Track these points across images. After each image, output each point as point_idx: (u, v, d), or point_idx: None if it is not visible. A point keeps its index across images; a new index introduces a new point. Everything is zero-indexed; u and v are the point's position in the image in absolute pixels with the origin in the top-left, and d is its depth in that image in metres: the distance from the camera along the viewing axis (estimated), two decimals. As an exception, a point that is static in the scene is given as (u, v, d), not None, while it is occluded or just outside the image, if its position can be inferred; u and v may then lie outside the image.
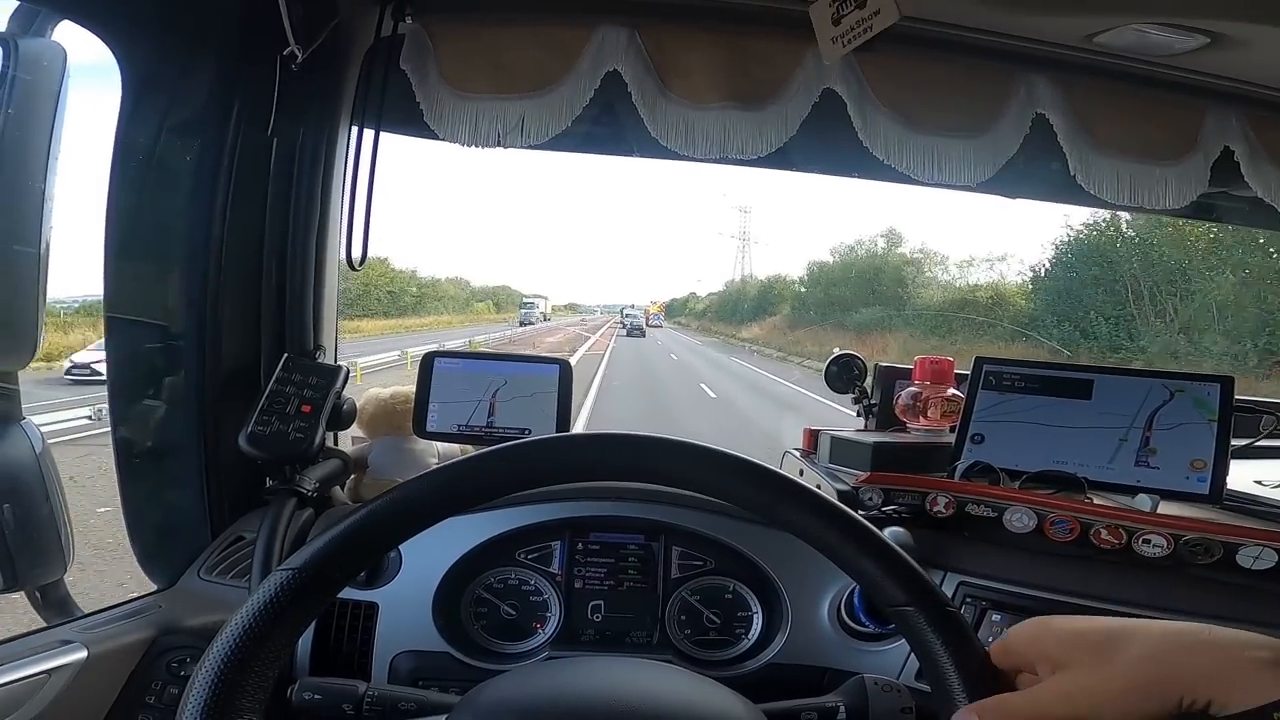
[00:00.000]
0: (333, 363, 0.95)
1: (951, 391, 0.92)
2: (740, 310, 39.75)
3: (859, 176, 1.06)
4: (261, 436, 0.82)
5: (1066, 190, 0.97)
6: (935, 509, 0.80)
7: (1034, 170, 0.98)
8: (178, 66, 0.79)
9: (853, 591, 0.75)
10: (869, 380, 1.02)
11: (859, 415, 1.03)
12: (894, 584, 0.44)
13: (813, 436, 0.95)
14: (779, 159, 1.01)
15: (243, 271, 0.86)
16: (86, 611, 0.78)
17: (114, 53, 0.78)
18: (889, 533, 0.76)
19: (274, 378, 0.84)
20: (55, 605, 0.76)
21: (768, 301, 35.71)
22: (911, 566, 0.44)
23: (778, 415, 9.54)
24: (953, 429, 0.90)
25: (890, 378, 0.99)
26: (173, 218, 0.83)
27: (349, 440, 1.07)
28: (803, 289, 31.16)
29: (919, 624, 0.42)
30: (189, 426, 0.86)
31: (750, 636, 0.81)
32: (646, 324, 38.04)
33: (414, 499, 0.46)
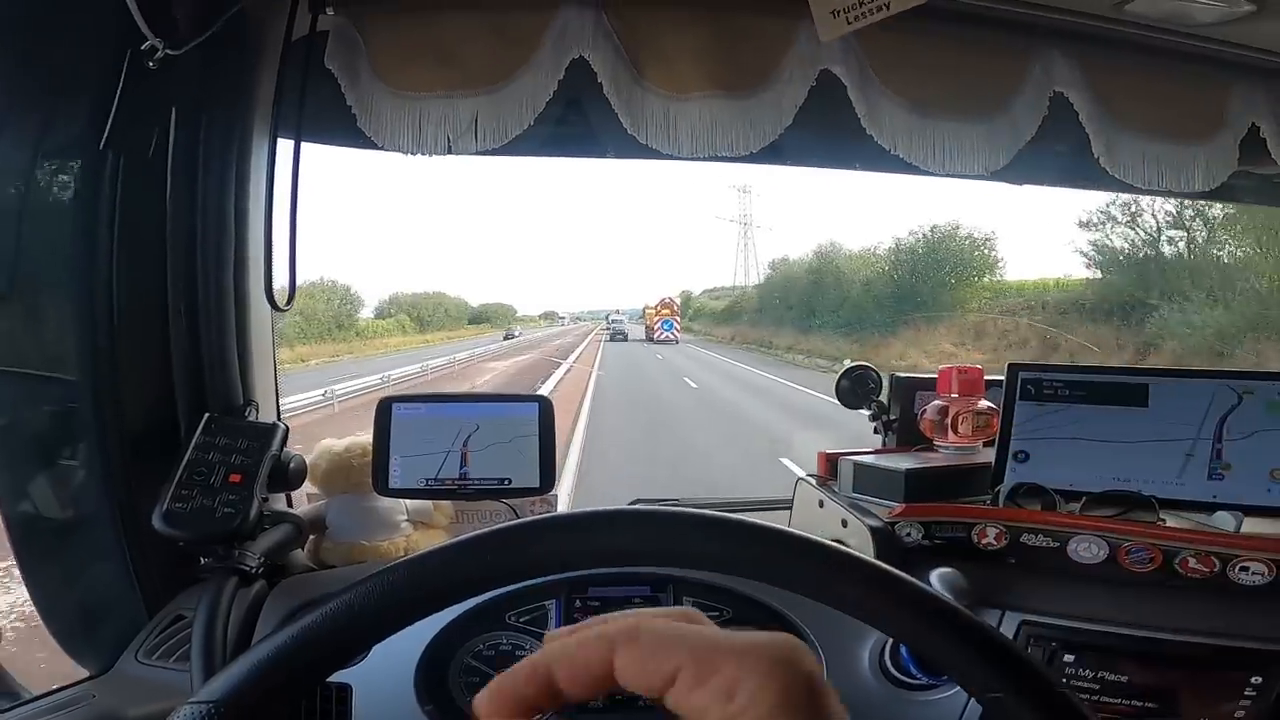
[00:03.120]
0: (271, 420, 0.78)
1: (985, 404, 0.80)
2: (818, 309, 19.49)
3: (861, 169, 0.93)
4: (180, 515, 0.64)
5: (1084, 175, 0.86)
6: (984, 541, 0.68)
7: (1049, 155, 0.86)
8: (34, 77, 0.61)
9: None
10: (884, 393, 0.89)
11: (876, 432, 0.90)
12: (987, 670, 0.34)
13: (830, 462, 0.82)
14: (771, 154, 0.87)
15: (145, 316, 0.68)
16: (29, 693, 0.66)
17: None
18: (937, 575, 0.64)
19: (192, 444, 0.67)
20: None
21: (926, 286, 16.04)
22: (1009, 649, 0.35)
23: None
24: (987, 445, 0.78)
25: (909, 390, 0.87)
26: (47, 257, 0.64)
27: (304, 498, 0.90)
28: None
29: (1021, 713, 0.33)
30: (100, 498, 0.70)
31: None
32: (652, 338, 26.30)
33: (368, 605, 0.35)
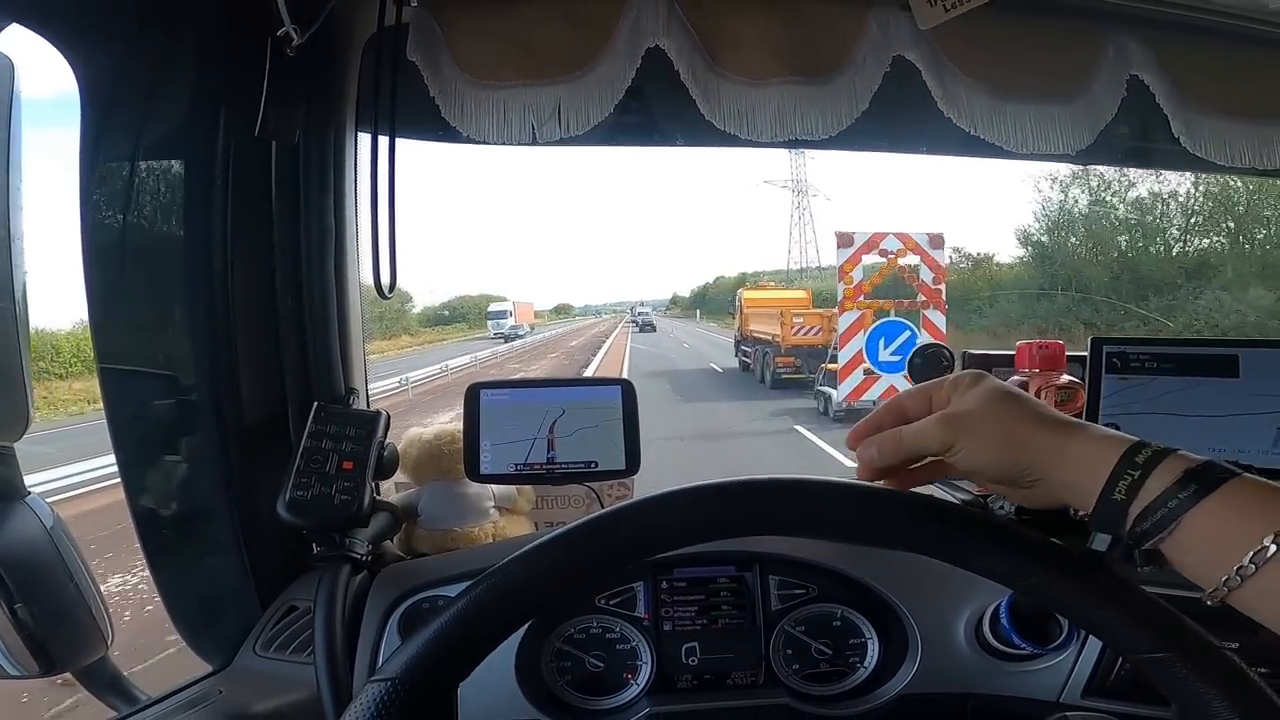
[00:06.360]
0: (367, 407, 0.79)
1: (1067, 378, 0.80)
2: None
3: (929, 152, 0.92)
4: (302, 502, 0.65)
5: (1167, 156, 0.85)
6: (1080, 512, 0.69)
7: (1127, 135, 0.85)
8: (149, 70, 0.61)
9: (997, 609, 0.63)
10: (959, 370, 0.89)
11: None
12: (1141, 630, 0.35)
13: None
14: (840, 139, 0.88)
15: (255, 308, 0.69)
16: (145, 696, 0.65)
17: (69, 60, 0.60)
18: None
19: (306, 432, 0.68)
20: (106, 685, 0.64)
21: None
22: (1164, 608, 0.35)
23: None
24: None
25: (984, 367, 0.87)
26: (165, 249, 0.65)
27: (393, 487, 0.91)
28: None
29: (1179, 673, 0.34)
30: (216, 489, 0.71)
31: (866, 665, 0.71)
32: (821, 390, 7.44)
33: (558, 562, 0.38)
